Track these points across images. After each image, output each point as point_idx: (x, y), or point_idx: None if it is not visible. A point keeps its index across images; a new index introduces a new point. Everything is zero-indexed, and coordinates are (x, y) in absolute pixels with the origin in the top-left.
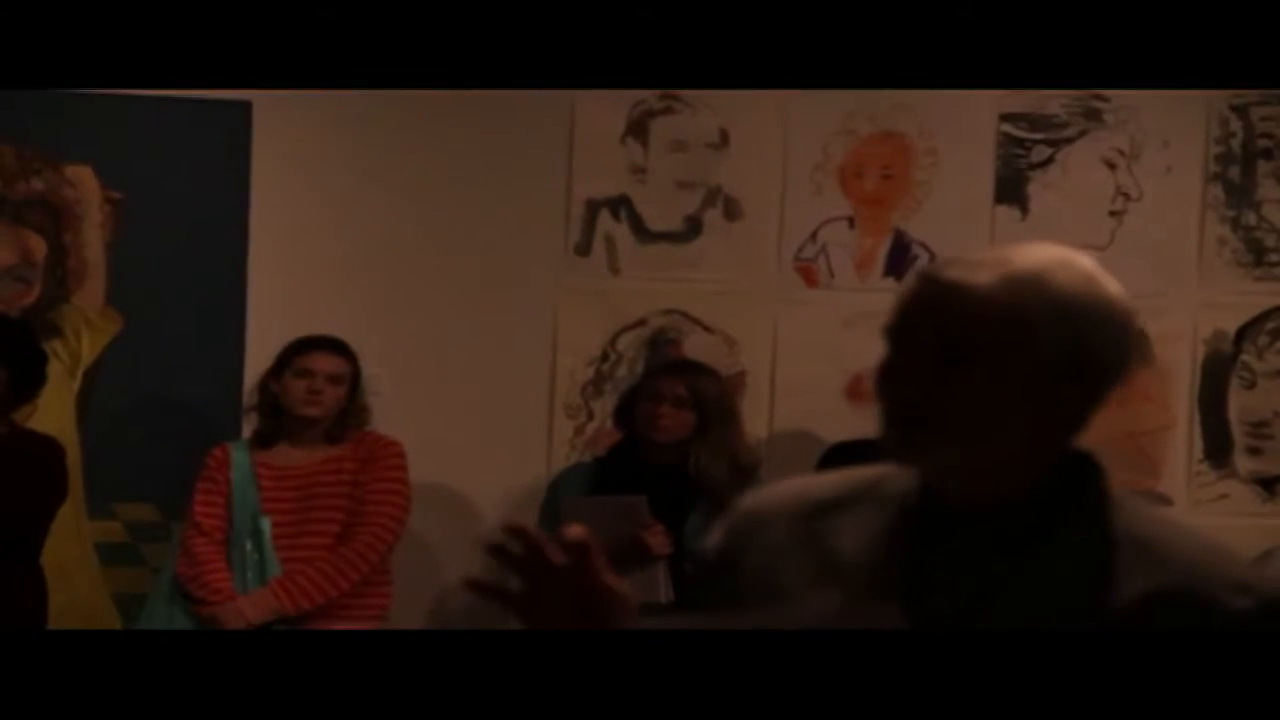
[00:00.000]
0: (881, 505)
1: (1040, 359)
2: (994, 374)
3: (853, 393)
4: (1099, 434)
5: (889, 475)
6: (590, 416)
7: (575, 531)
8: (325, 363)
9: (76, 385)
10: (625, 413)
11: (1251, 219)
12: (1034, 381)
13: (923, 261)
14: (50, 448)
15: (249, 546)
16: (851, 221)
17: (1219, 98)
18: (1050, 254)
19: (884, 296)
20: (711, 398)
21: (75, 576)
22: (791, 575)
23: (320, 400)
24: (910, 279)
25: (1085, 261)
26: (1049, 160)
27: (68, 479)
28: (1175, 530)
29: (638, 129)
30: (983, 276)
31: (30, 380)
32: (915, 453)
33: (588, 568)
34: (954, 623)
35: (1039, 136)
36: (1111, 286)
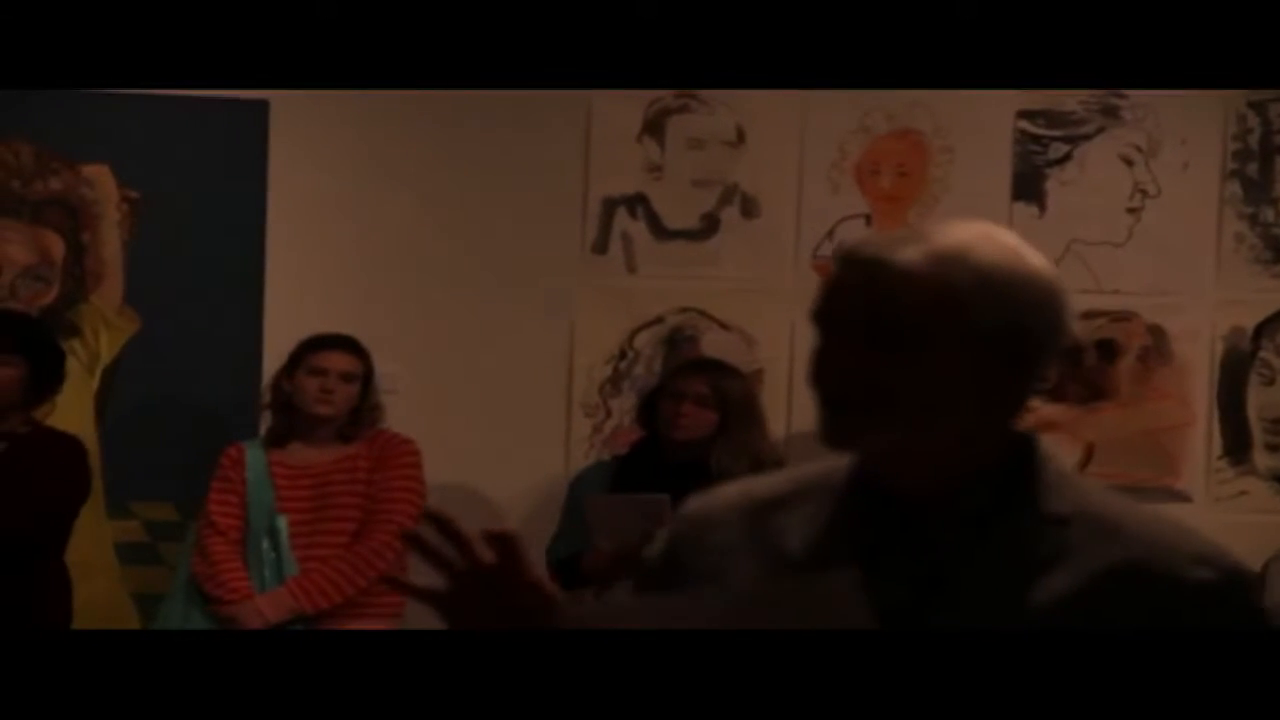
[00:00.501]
0: (828, 498)
1: (971, 334)
2: (924, 352)
3: None
4: (1117, 431)
5: (835, 468)
6: (608, 415)
7: (503, 528)
8: (337, 361)
9: (95, 384)
10: (647, 411)
11: (1269, 215)
12: (966, 358)
13: None
14: (73, 446)
15: (266, 545)
16: (868, 219)
17: (1236, 95)
18: (973, 229)
19: None
20: (734, 397)
21: (94, 576)
22: (740, 575)
23: (332, 399)
24: (833, 260)
25: (1008, 235)
26: (1066, 157)
27: (90, 477)
28: (1129, 507)
29: (654, 127)
30: (906, 253)
31: (49, 378)
32: (851, 439)
33: (516, 565)
34: (908, 611)
35: (1056, 133)
36: (1037, 259)
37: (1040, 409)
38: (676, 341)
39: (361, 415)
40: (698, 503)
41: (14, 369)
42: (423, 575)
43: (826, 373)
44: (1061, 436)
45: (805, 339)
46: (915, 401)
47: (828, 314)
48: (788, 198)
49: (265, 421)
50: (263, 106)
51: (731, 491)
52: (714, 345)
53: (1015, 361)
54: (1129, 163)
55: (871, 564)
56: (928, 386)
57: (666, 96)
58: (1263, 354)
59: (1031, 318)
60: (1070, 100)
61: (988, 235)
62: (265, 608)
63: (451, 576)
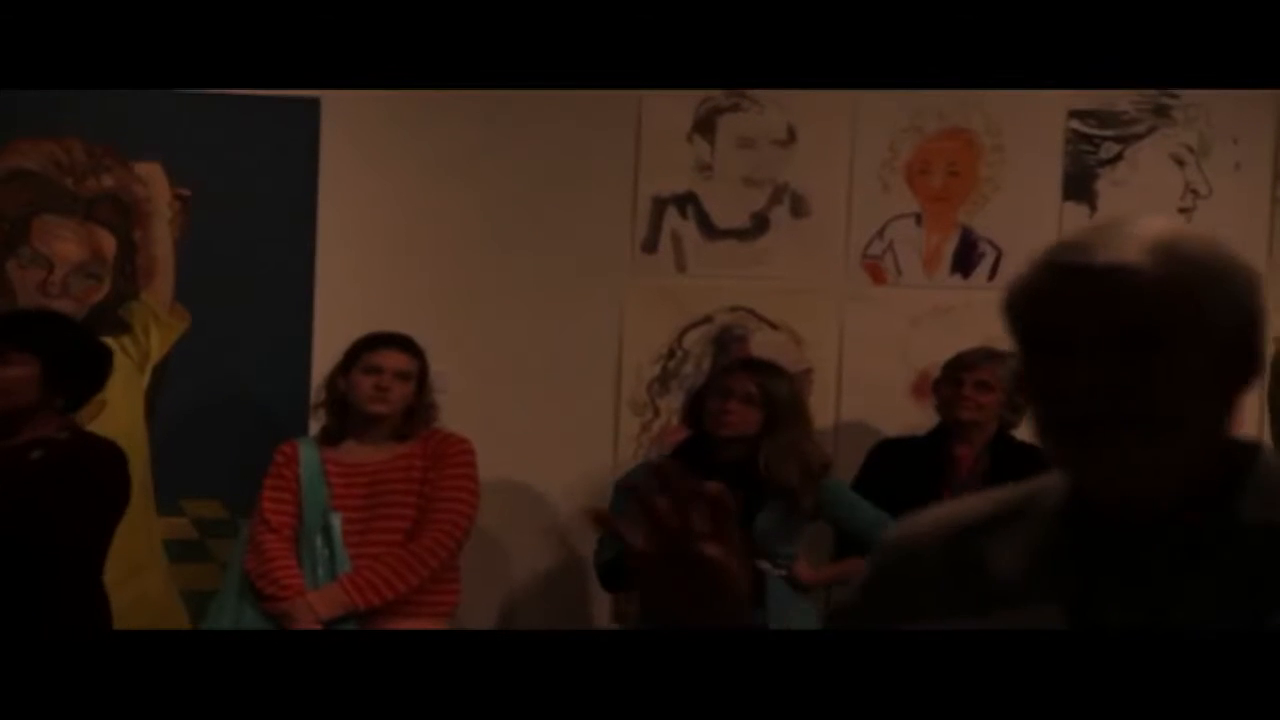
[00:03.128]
0: (1037, 521)
1: (1208, 333)
2: (1173, 357)
3: (919, 390)
4: None
5: (1041, 489)
6: (656, 414)
7: (716, 486)
8: (393, 360)
9: (145, 382)
10: (693, 410)
11: None
12: (1208, 359)
13: (989, 259)
14: (113, 454)
15: (319, 542)
16: (919, 218)
17: None
18: (1163, 222)
19: (951, 293)
20: (781, 397)
21: (144, 573)
22: (947, 606)
23: (388, 397)
24: (1038, 271)
25: (1191, 227)
26: (1118, 157)
27: (129, 487)
28: None
29: (705, 126)
30: (1133, 254)
31: (71, 377)
32: (1111, 458)
33: (725, 537)
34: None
35: (1108, 133)
36: (1235, 253)
37: None
38: (725, 341)
39: (416, 414)
40: (900, 530)
41: (25, 368)
42: (483, 575)
43: (1068, 388)
44: None
45: (853, 339)
46: (1169, 409)
47: (1059, 327)
48: (838, 197)
49: (317, 419)
50: (314, 104)
51: (934, 517)
52: (763, 344)
53: (1248, 355)
54: (1180, 163)
55: (1087, 592)
56: (1178, 392)
57: (717, 95)
58: None
59: (1253, 307)
60: (1122, 100)
61: (1181, 230)
62: (318, 604)
63: (656, 533)
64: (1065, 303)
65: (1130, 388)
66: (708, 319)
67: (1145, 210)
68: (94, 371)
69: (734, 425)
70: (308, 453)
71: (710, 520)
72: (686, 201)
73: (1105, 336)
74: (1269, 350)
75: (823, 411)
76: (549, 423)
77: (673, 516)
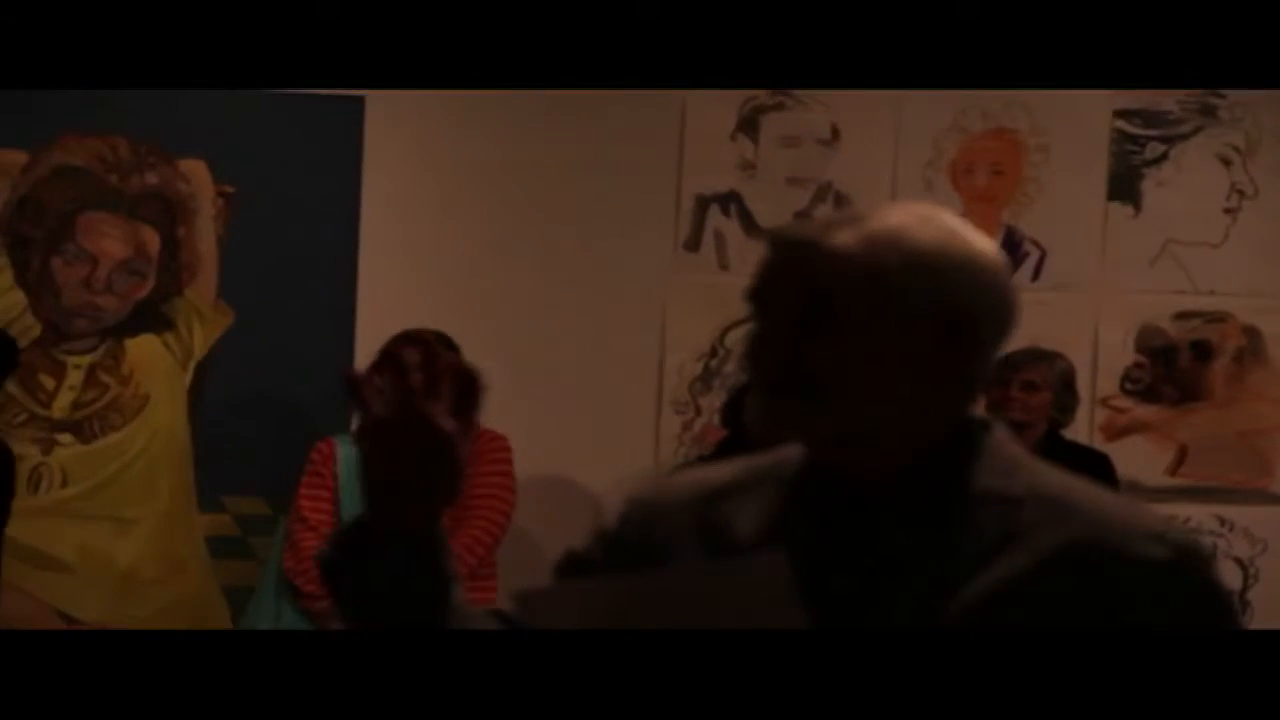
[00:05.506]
0: (779, 486)
1: (903, 317)
2: (856, 336)
3: None
4: (1211, 432)
5: (788, 456)
6: (698, 413)
7: (470, 364)
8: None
9: (188, 378)
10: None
11: None
12: (900, 341)
13: (1033, 259)
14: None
15: None
16: (962, 218)
17: None
18: (911, 211)
19: None
20: None
21: (186, 569)
22: (684, 561)
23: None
24: (766, 242)
25: (948, 217)
26: (1163, 157)
27: (12, 483)
28: (1084, 487)
29: (748, 125)
30: (839, 235)
31: None
32: (785, 425)
33: (466, 415)
34: (858, 599)
35: (1153, 133)
36: (978, 240)
37: (1133, 409)
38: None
39: None
40: (648, 489)
41: None
42: (520, 573)
43: (760, 357)
44: (1154, 437)
45: None
46: (848, 386)
47: (761, 297)
48: (881, 196)
49: (357, 417)
50: (358, 102)
51: (685, 478)
52: None
53: (953, 345)
54: (1226, 163)
55: (820, 552)
56: (860, 371)
57: (761, 94)
58: None
59: (968, 301)
60: (1168, 100)
61: (926, 218)
62: None
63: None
64: (765, 270)
65: (802, 357)
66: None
67: (1190, 211)
68: None
69: None
70: (345, 450)
71: (455, 396)
72: (730, 200)
73: (786, 306)
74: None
75: None
76: (590, 421)
77: (422, 389)
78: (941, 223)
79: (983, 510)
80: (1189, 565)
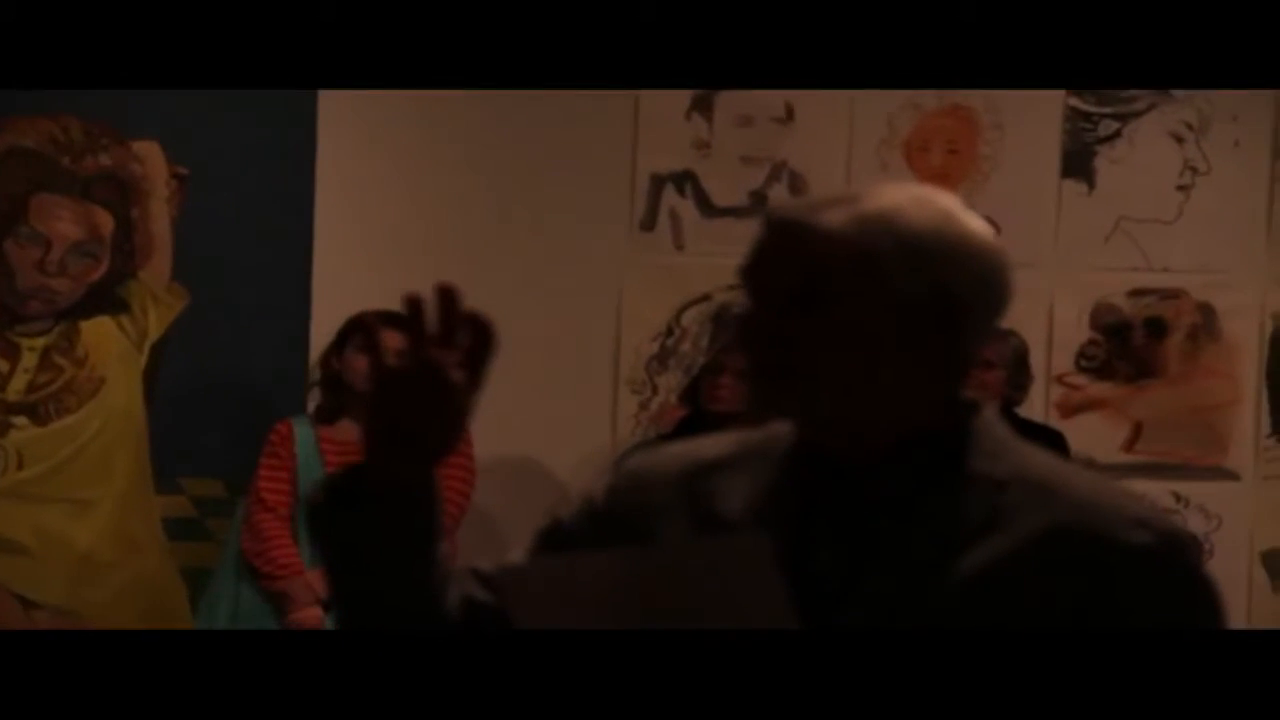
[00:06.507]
0: (768, 462)
1: (894, 299)
2: (847, 317)
3: None
4: (1165, 409)
5: (779, 433)
6: (654, 392)
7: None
8: (389, 339)
9: (143, 361)
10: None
11: None
12: (891, 323)
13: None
14: None
15: None
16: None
17: None
18: (905, 192)
19: None
20: None
21: (143, 552)
22: (672, 536)
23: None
24: (760, 222)
25: (943, 198)
26: (1116, 134)
27: None
28: (1068, 470)
29: (702, 104)
30: (830, 216)
31: None
32: (777, 405)
33: (476, 366)
34: (843, 575)
35: (1106, 110)
36: (972, 223)
37: (1088, 387)
38: (724, 319)
39: None
40: (638, 460)
41: None
42: (479, 554)
43: (753, 337)
44: (1109, 414)
45: None
46: (839, 367)
47: (753, 277)
48: (836, 175)
49: (314, 398)
50: (311, 92)
51: (675, 451)
52: None
53: (945, 327)
54: (1179, 140)
55: (807, 530)
56: (852, 351)
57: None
58: None
59: (960, 283)
60: None
61: (919, 199)
62: (317, 583)
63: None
64: (757, 250)
65: (797, 341)
66: (706, 297)
67: (1144, 188)
68: None
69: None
70: (303, 432)
71: (468, 348)
72: (685, 180)
73: (777, 286)
74: (1276, 325)
75: None
76: (547, 401)
77: (437, 340)
78: (936, 205)
79: (969, 492)
80: (1172, 552)
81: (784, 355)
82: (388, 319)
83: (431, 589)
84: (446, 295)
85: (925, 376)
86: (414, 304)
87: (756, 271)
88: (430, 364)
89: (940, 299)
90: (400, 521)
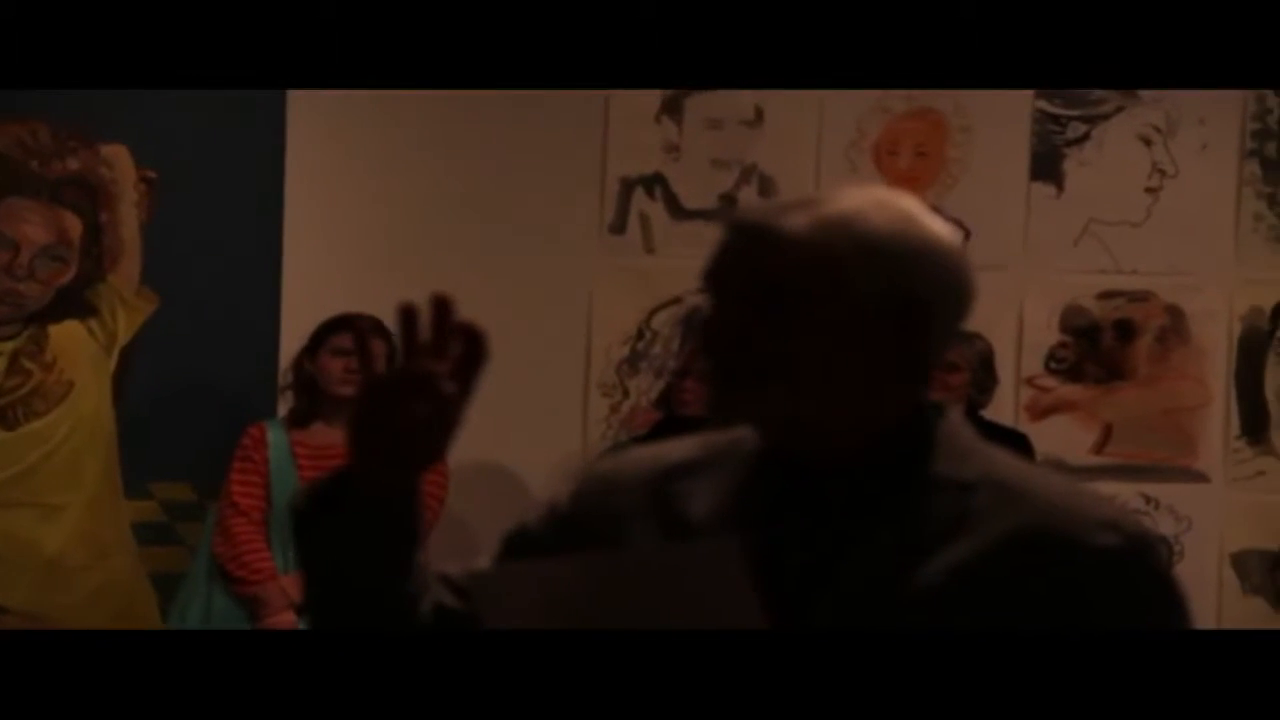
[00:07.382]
0: (735, 465)
1: (855, 301)
2: (808, 320)
3: None
4: (1135, 411)
5: (744, 436)
6: (625, 395)
7: (480, 329)
8: (376, 346)
9: (112, 365)
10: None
11: None
12: (853, 325)
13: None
14: None
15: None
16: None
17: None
18: (866, 195)
19: None
20: None
21: (112, 556)
22: (640, 540)
23: (357, 379)
24: (721, 225)
25: (905, 201)
26: (1085, 137)
27: None
28: (1038, 474)
29: (672, 107)
30: (791, 220)
31: None
32: (738, 409)
33: (465, 379)
34: (810, 578)
35: (1075, 113)
36: (934, 225)
37: (1058, 389)
38: (694, 321)
39: None
40: (605, 463)
41: None
42: (450, 558)
43: (715, 341)
44: (1078, 416)
45: None
46: (801, 371)
47: (715, 281)
48: (805, 178)
49: (285, 402)
50: (279, 94)
51: (641, 454)
52: None
53: (907, 330)
54: (1147, 142)
55: (774, 534)
56: (813, 354)
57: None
58: None
59: (922, 285)
60: None
61: (881, 202)
62: (291, 588)
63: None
64: (719, 253)
65: (759, 344)
66: (676, 300)
67: (1112, 191)
68: None
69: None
70: (276, 435)
71: (459, 358)
72: (654, 182)
73: (739, 290)
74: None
75: None
76: (517, 404)
77: (429, 349)
78: (897, 207)
79: (936, 495)
80: (1139, 554)
81: (746, 359)
82: (375, 326)
83: (409, 594)
84: (441, 305)
85: (888, 379)
86: (408, 313)
87: (718, 275)
88: (421, 374)
89: (902, 302)
90: (383, 528)
